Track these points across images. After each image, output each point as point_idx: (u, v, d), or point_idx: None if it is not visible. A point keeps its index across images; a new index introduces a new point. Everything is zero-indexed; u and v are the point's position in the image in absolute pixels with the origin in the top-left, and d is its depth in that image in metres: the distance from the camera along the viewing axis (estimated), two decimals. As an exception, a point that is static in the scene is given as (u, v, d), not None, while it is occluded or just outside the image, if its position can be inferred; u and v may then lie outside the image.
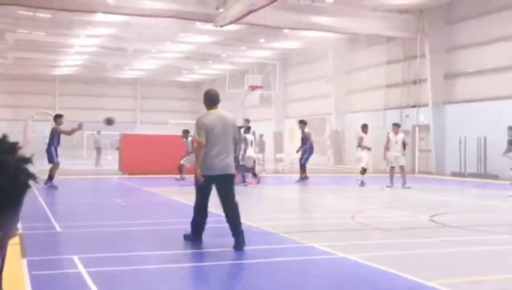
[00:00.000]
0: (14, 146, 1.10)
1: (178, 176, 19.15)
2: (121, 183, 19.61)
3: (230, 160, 7.69)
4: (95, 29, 32.30)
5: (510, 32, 22.94)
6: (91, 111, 52.22)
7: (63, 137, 16.42)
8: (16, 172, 1.07)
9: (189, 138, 18.66)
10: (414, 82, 27.79)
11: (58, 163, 16.14)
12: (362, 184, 18.48)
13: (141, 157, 21.73)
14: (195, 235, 7.83)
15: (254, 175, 18.97)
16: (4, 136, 1.11)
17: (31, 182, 1.14)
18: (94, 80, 52.35)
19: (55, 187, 15.60)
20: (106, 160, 31.99)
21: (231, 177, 7.71)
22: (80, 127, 16.41)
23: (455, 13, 25.89)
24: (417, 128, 27.77)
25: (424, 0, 24.93)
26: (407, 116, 28.48)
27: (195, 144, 7.94)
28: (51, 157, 15.85)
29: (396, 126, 18.86)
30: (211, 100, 7.82)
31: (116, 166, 24.49)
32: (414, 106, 27.90)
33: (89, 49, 39.07)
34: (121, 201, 13.77)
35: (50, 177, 15.82)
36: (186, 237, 7.91)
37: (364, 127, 19.60)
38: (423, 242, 8.14)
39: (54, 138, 16.13)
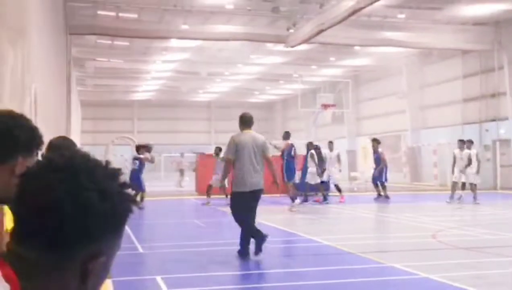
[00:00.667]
0: (116, 172, 1.16)
1: (205, 200, 18.75)
2: (198, 203, 19.90)
3: (260, 177, 8.20)
4: (170, 55, 33.20)
5: None
6: (168, 134, 53.62)
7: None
8: (118, 198, 1.13)
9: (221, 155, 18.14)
10: (493, 95, 26.88)
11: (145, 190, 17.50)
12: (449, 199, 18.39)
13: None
14: (245, 249, 8.18)
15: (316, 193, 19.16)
16: (107, 162, 1.17)
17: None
18: (170, 104, 53.71)
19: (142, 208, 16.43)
20: (185, 181, 32.62)
21: (259, 192, 8.24)
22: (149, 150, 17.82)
23: (533, 23, 24.97)
24: (497, 143, 26.80)
25: (500, 11, 24.15)
26: (487, 130, 27.55)
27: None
28: (141, 185, 17.02)
29: (461, 142, 19.08)
30: (245, 122, 8.58)
31: (193, 187, 24.94)
32: (493, 120, 26.96)
33: (164, 74, 40.17)
34: (199, 221, 13.98)
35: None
36: (240, 253, 8.21)
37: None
38: (508, 261, 7.82)
39: (143, 166, 17.46)
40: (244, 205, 8.12)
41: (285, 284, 6.69)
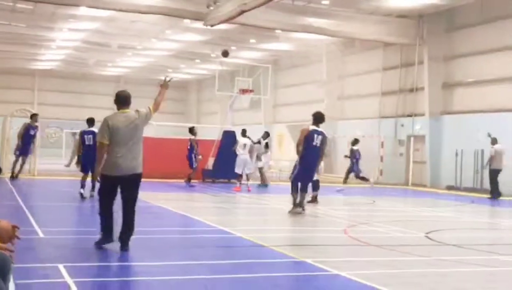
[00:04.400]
0: None
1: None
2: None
3: (136, 161, 8.00)
4: (78, 23, 32.23)
5: (510, 42, 23.26)
6: (71, 109, 52.07)
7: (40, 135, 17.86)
8: None
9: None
10: (411, 90, 28.04)
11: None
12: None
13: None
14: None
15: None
16: None
17: None
18: (75, 76, 52.24)
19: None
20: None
21: (137, 177, 8.06)
22: None
23: (455, 20, 26.20)
24: (412, 139, 28.02)
25: (424, 5, 25.18)
26: (402, 125, 28.73)
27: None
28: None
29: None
30: (121, 100, 8.17)
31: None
32: (410, 116, 28.14)
33: (71, 43, 38.97)
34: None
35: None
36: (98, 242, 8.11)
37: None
38: (419, 260, 8.28)
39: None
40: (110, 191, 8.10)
41: (194, 277, 6.78)
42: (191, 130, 22.28)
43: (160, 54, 41.90)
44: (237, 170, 20.72)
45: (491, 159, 21.05)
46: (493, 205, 18.78)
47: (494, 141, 21.20)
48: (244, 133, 21.58)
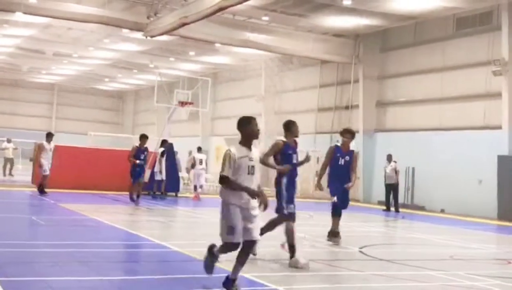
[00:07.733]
0: None
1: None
2: (35, 197, 19.10)
3: None
4: (12, 29, 31.42)
5: (439, 64, 24.19)
6: (3, 116, 50.52)
7: None
8: None
9: None
10: (346, 108, 28.64)
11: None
12: None
13: (60, 170, 21.20)
14: None
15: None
16: None
17: None
18: (8, 82, 50.86)
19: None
20: (17, 170, 31.05)
21: None
22: None
23: (389, 41, 27.00)
24: (346, 155, 28.52)
25: (361, 25, 25.82)
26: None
27: None
28: None
29: None
30: None
31: (29, 178, 23.91)
32: (344, 132, 28.64)
33: (5, 49, 37.92)
34: (36, 218, 13.43)
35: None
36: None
37: None
38: (355, 275, 8.46)
39: None
40: None
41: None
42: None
43: (96, 62, 41.25)
44: (194, 182, 23.29)
45: (397, 173, 22.65)
46: (422, 221, 19.34)
47: (390, 158, 22.80)
48: (199, 149, 24.54)
